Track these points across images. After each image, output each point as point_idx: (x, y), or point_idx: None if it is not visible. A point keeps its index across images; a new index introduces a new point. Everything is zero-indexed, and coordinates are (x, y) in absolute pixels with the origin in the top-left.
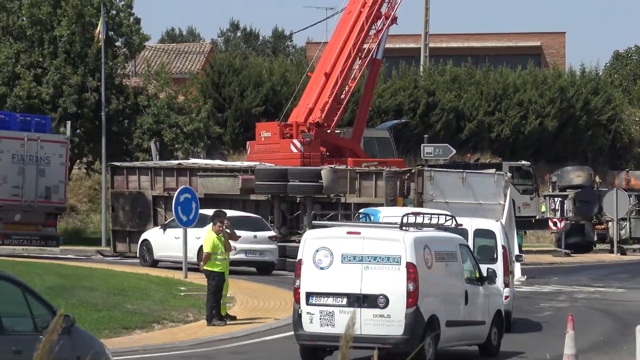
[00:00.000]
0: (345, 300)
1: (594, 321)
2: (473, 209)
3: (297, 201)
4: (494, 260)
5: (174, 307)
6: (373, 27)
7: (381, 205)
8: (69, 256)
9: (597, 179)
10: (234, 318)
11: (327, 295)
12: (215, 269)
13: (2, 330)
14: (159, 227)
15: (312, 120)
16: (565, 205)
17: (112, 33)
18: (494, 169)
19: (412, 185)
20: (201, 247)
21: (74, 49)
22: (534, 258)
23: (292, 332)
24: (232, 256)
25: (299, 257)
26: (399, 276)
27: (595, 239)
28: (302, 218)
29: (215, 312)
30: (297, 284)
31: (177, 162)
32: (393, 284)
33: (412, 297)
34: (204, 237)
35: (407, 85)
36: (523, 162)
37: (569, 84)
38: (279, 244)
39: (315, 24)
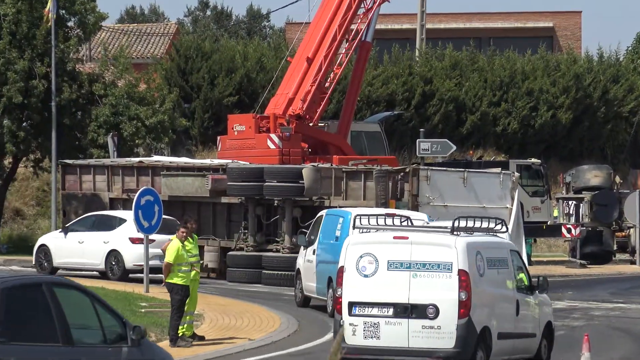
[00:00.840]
0: (391, 311)
1: (614, 342)
2: (475, 213)
3: (275, 204)
4: None
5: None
6: (362, 6)
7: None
8: (13, 267)
9: (618, 179)
10: (202, 338)
11: (372, 305)
12: (179, 282)
13: (71, 342)
14: (60, 230)
15: (292, 112)
16: (580, 210)
17: (63, 12)
18: (500, 168)
19: (406, 187)
20: (110, 252)
21: (20, 30)
22: (545, 269)
23: (269, 355)
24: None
25: (340, 264)
26: (451, 284)
27: (615, 248)
28: (280, 224)
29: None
30: (338, 293)
31: (137, 159)
32: (444, 293)
33: (464, 307)
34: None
35: (400, 72)
36: (533, 160)
37: (585, 70)
38: (254, 253)
39: (296, 1)
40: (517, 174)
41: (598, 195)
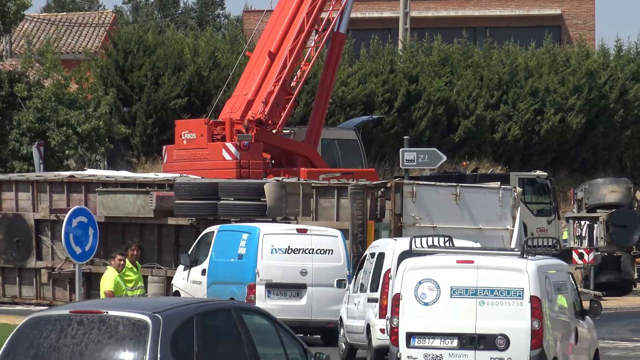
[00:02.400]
0: (456, 342)
1: None
2: (471, 236)
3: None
4: None
5: None
6: None
7: (346, 231)
8: None
9: (639, 195)
10: None
11: (434, 335)
12: None
13: None
14: None
15: (251, 117)
16: (594, 231)
17: None
18: (499, 183)
19: (388, 205)
20: None
21: None
22: None
23: None
24: None
25: (396, 291)
26: (522, 312)
27: (636, 276)
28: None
29: None
30: (394, 323)
31: (68, 173)
32: (514, 322)
33: (537, 336)
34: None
35: (380, 69)
36: (538, 172)
37: (600, 66)
38: None
39: None
40: (519, 189)
41: (615, 214)
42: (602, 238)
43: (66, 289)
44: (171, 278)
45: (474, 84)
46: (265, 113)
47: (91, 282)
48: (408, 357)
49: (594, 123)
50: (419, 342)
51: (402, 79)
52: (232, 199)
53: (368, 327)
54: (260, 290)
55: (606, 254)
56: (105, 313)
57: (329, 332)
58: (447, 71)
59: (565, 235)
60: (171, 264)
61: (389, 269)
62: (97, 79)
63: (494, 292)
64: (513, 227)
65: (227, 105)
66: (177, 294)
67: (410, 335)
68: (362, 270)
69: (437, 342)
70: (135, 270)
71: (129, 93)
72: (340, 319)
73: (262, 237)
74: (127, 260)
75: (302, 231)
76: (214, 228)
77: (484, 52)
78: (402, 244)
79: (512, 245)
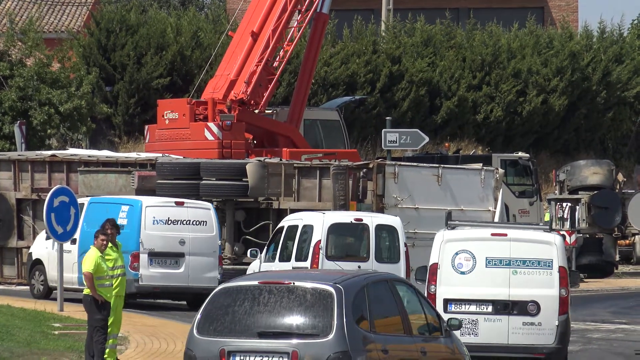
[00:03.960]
0: (490, 307)
1: None
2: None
3: (214, 206)
4: (396, 259)
5: (45, 351)
6: None
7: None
8: None
9: (621, 177)
10: None
11: (470, 302)
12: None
13: (410, 332)
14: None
15: (234, 97)
16: (576, 213)
17: None
18: (481, 164)
19: (370, 185)
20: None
21: None
22: None
23: None
24: None
25: (433, 261)
26: (551, 281)
27: (618, 258)
28: (220, 229)
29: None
30: (431, 290)
31: (50, 152)
32: (544, 290)
33: (564, 303)
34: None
35: (363, 50)
36: (520, 153)
37: (582, 48)
38: None
39: None
40: (501, 171)
41: (597, 196)
42: (584, 220)
43: None
44: None
45: (456, 65)
46: (248, 93)
47: None
48: None
49: (576, 105)
50: (455, 307)
51: (385, 60)
52: (214, 179)
53: None
54: (143, 258)
55: (588, 235)
56: (292, 284)
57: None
58: (429, 52)
59: (547, 217)
60: None
61: (319, 240)
62: (80, 58)
63: (525, 263)
64: (495, 208)
65: (210, 85)
66: (38, 262)
67: (447, 302)
68: (278, 241)
69: (473, 308)
70: (115, 249)
71: (112, 72)
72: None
73: (145, 209)
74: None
75: (179, 204)
76: (84, 200)
77: (466, 33)
78: (332, 216)
79: None
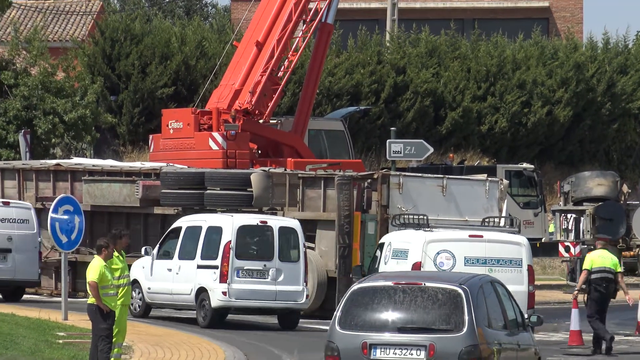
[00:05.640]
0: None
1: None
2: (457, 228)
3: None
4: (297, 259)
5: None
6: None
7: (332, 222)
8: None
9: (625, 188)
10: None
11: None
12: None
13: (508, 327)
14: None
15: (238, 106)
16: (581, 224)
17: None
18: (485, 175)
19: (374, 196)
20: None
21: None
22: (539, 295)
23: None
24: None
25: (415, 260)
26: (521, 278)
27: (622, 269)
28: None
29: None
30: None
31: (54, 162)
32: (515, 286)
33: (532, 299)
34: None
35: (368, 60)
36: (525, 165)
37: (587, 59)
38: None
39: None
40: (505, 182)
41: (602, 208)
42: (588, 231)
43: (52, 277)
44: None
45: (461, 75)
46: (253, 103)
47: (77, 270)
48: None
49: (581, 116)
50: None
51: (390, 70)
52: (219, 188)
53: (200, 290)
54: None
55: (592, 247)
56: (423, 284)
57: (24, 289)
58: (434, 63)
59: (551, 228)
60: None
61: (230, 241)
62: (84, 67)
63: (499, 262)
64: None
65: (214, 95)
66: (134, 282)
67: None
68: (176, 240)
69: None
70: (121, 258)
71: (116, 82)
72: (136, 281)
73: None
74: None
75: (6, 204)
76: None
77: (471, 44)
78: (240, 219)
79: None
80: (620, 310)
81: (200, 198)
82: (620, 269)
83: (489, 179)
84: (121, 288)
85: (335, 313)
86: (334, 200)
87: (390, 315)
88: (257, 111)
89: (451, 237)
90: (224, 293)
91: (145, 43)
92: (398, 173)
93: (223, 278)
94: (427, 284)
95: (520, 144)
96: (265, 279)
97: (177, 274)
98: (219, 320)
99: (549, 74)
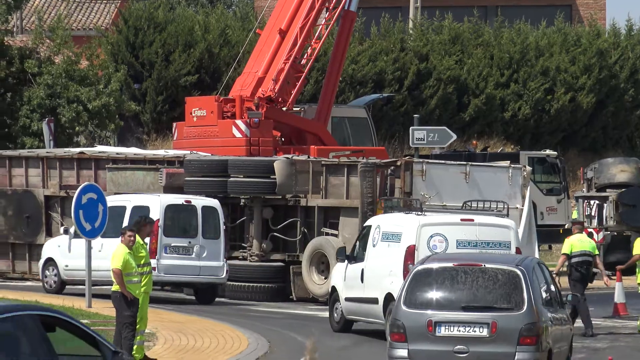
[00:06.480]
0: None
1: None
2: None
3: (242, 204)
4: (218, 236)
5: None
6: None
7: (355, 209)
8: None
9: None
10: None
11: None
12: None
13: (553, 304)
14: None
15: (261, 94)
16: (604, 211)
17: None
18: (509, 161)
19: (397, 183)
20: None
21: None
22: (561, 281)
23: None
24: None
25: (410, 243)
26: None
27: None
28: (247, 226)
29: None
30: (410, 269)
31: (78, 150)
32: None
33: None
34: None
35: (391, 47)
36: (548, 151)
37: (610, 45)
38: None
39: None
40: (529, 169)
41: (625, 194)
42: (611, 217)
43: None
44: None
45: (484, 62)
46: (276, 91)
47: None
48: None
49: (604, 103)
50: None
51: (413, 58)
52: (242, 176)
53: None
54: None
55: (615, 233)
56: (482, 266)
57: None
58: (457, 50)
59: (574, 215)
60: None
61: (158, 219)
62: (108, 55)
63: (489, 244)
64: (523, 206)
65: (237, 83)
66: None
67: None
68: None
69: None
70: (145, 246)
71: (140, 70)
72: (51, 259)
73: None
74: (137, 236)
75: None
76: None
77: (494, 31)
78: (167, 198)
79: (522, 223)
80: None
81: (224, 185)
82: (597, 252)
83: (512, 165)
84: (144, 276)
85: (399, 293)
86: (357, 187)
87: (453, 294)
88: (280, 99)
89: (444, 220)
90: (154, 269)
91: (168, 31)
92: (421, 160)
93: (151, 255)
94: (487, 265)
95: (544, 131)
96: (190, 255)
97: (100, 251)
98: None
99: (572, 60)
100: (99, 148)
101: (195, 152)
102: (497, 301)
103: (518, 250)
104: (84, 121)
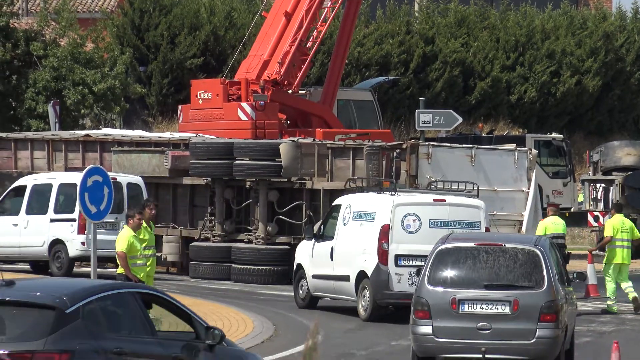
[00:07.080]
0: None
1: None
2: (486, 197)
3: (247, 186)
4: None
5: None
6: None
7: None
8: None
9: None
10: None
11: (417, 257)
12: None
13: (564, 282)
14: None
15: (267, 77)
16: (610, 194)
17: None
18: (514, 144)
19: (403, 166)
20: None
21: None
22: (567, 265)
23: None
24: None
25: (385, 222)
26: None
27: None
28: (253, 209)
29: None
30: (384, 247)
31: (83, 132)
32: None
33: None
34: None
35: (397, 30)
36: (554, 134)
37: (616, 28)
38: (221, 244)
39: None
40: (535, 151)
41: (631, 177)
42: (617, 200)
43: None
44: (187, 238)
45: (490, 45)
46: (281, 73)
47: None
48: (396, 273)
49: (610, 86)
50: (404, 262)
51: (418, 40)
52: (248, 159)
53: (55, 242)
54: None
55: (625, 216)
56: (503, 245)
57: None
58: (463, 33)
59: (580, 198)
60: (186, 223)
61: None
62: (113, 38)
63: (460, 224)
64: (528, 189)
65: (243, 65)
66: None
67: (398, 257)
68: (21, 197)
69: (419, 262)
70: (149, 229)
71: (145, 52)
72: None
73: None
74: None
75: None
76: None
77: (500, 13)
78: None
79: (528, 206)
80: None
81: (229, 168)
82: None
83: (518, 148)
84: (147, 259)
85: (423, 271)
86: (362, 170)
87: (476, 273)
88: (285, 81)
89: (417, 200)
90: (83, 243)
91: (174, 14)
92: (427, 143)
93: (81, 230)
94: (507, 245)
95: (550, 114)
96: (117, 230)
97: (25, 228)
98: (72, 268)
99: (578, 43)
100: (105, 131)
101: (200, 134)
102: (518, 280)
103: (487, 230)
104: (89, 104)
